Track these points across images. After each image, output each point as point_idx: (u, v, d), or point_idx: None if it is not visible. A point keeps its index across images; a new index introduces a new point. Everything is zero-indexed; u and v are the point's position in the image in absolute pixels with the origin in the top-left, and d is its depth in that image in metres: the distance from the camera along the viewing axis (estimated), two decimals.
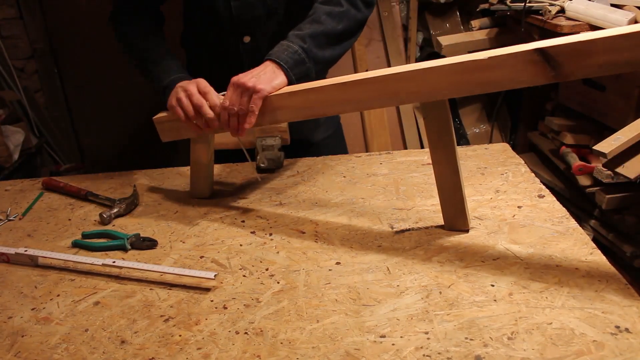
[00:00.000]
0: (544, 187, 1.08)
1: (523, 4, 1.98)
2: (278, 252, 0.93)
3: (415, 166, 1.22)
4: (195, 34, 1.31)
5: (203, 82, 1.03)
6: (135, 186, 1.18)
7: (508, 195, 1.05)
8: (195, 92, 1.01)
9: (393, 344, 0.70)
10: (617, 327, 0.69)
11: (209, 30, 1.25)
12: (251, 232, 1.00)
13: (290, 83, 1.00)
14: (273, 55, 1.01)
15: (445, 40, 2.33)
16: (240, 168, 1.29)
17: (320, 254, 0.91)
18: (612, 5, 1.80)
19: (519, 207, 1.00)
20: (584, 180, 1.82)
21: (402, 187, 1.12)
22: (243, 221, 1.04)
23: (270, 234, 0.99)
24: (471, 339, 0.69)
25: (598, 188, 1.77)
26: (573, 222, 0.94)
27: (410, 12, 2.52)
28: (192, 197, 1.16)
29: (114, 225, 1.06)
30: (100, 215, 1.06)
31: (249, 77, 0.97)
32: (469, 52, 1.24)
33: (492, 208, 1.01)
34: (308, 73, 1.04)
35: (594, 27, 1.75)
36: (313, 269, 0.87)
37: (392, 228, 0.97)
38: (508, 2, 2.08)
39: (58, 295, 0.85)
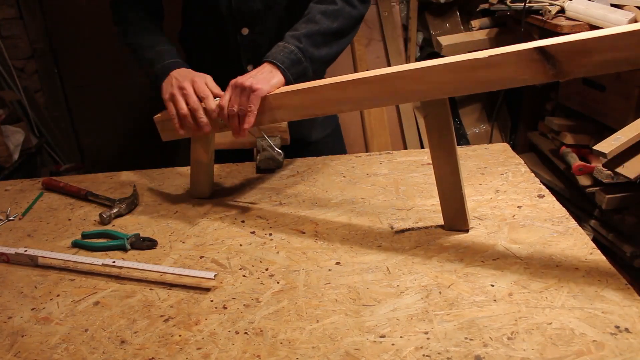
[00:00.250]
0: (543, 187, 1.08)
1: (523, 4, 1.98)
2: (278, 252, 0.93)
3: (415, 166, 1.22)
4: (194, 29, 1.31)
5: (201, 85, 1.01)
6: (135, 186, 1.18)
7: (508, 195, 1.05)
8: (192, 94, 1.00)
9: (393, 344, 0.70)
10: (617, 327, 0.69)
11: (207, 23, 1.25)
12: (251, 232, 1.00)
13: (288, 83, 1.01)
14: (270, 56, 1.03)
15: (445, 40, 2.33)
16: (240, 168, 1.29)
17: (320, 254, 0.91)
18: (612, 5, 1.79)
19: (518, 207, 1.00)
20: (584, 180, 1.82)
21: (402, 187, 1.12)
22: (243, 221, 1.04)
23: (270, 234, 0.99)
24: (471, 339, 0.69)
25: (598, 188, 1.77)
26: (573, 222, 0.94)
27: (410, 12, 2.52)
28: (192, 197, 1.16)
29: (113, 225, 1.06)
30: (100, 215, 1.06)
31: (246, 78, 0.98)
32: (469, 52, 1.24)
33: (492, 208, 1.01)
34: (305, 72, 1.04)
35: (594, 27, 1.75)
36: (313, 269, 0.87)
37: (392, 228, 0.97)
38: (508, 2, 2.08)
39: (58, 295, 0.85)
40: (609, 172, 1.59)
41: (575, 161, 1.85)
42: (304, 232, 0.98)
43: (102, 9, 1.44)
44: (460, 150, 1.25)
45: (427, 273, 0.83)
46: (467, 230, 0.94)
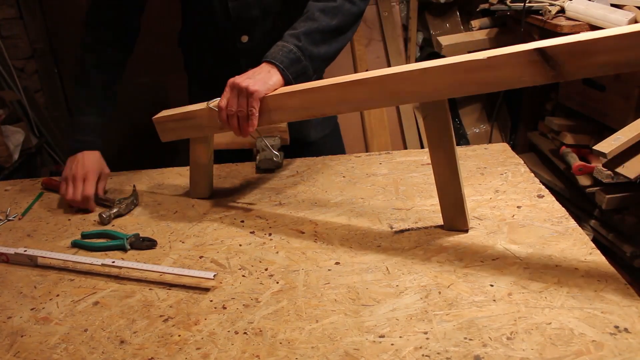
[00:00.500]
0: (543, 187, 1.08)
1: (523, 4, 1.98)
2: (277, 252, 0.93)
3: (415, 166, 1.22)
4: (193, 33, 1.31)
5: (88, 187, 1.12)
6: (135, 186, 1.18)
7: (507, 195, 1.05)
8: (78, 192, 1.11)
9: (392, 344, 0.70)
10: (617, 327, 0.69)
11: (206, 30, 1.25)
12: (250, 232, 1.00)
13: (287, 82, 1.00)
14: (269, 56, 1.01)
15: (445, 40, 2.33)
16: (240, 168, 1.29)
17: (319, 254, 0.91)
18: (612, 5, 1.80)
19: (518, 207, 1.00)
20: (584, 180, 1.82)
21: (401, 187, 1.12)
22: (242, 221, 1.04)
23: (270, 234, 0.99)
24: (470, 339, 0.69)
25: (598, 188, 1.77)
26: (572, 222, 0.94)
27: (410, 12, 2.52)
28: (192, 197, 1.16)
29: (113, 225, 1.06)
30: (100, 215, 1.06)
31: (243, 78, 0.97)
32: (469, 52, 1.24)
33: (492, 208, 1.01)
34: (305, 71, 1.03)
35: (594, 27, 1.75)
36: (312, 269, 0.87)
37: (392, 228, 0.97)
38: (508, 2, 2.08)
39: (57, 295, 0.85)
40: (609, 172, 1.59)
41: (575, 161, 1.85)
42: (303, 232, 0.98)
43: None
44: (460, 150, 1.25)
45: (426, 273, 0.83)
46: (466, 231, 0.94)
